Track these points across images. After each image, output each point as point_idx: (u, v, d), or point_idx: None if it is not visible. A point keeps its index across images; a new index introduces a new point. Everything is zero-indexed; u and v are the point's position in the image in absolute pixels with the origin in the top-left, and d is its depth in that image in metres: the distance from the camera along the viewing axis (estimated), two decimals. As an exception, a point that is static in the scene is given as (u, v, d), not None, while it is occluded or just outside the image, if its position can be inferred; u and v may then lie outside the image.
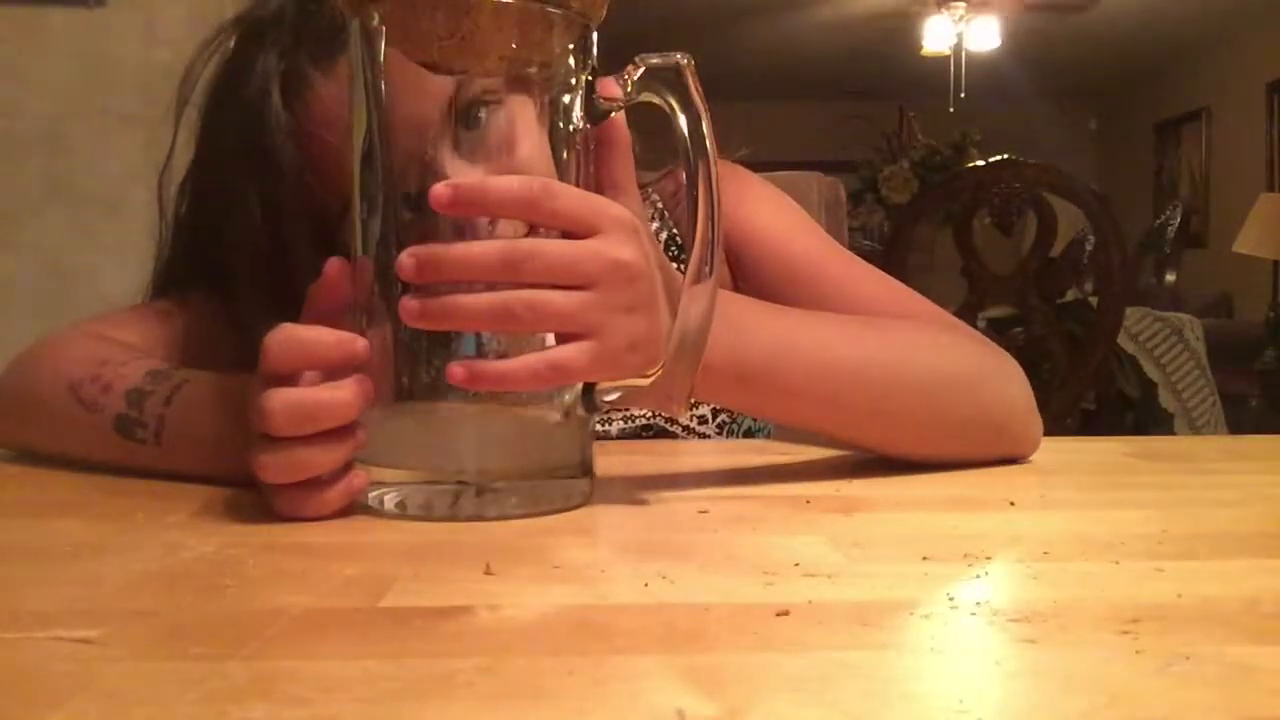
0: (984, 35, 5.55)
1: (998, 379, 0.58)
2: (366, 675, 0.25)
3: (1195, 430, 2.29)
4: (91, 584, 0.34)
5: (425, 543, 0.39)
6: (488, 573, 0.34)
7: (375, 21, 0.43)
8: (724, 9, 5.45)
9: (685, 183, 0.44)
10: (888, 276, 0.67)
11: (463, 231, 0.43)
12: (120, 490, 0.50)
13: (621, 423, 0.74)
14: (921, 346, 0.57)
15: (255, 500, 0.46)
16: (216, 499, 0.47)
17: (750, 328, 0.51)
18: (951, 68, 5.74)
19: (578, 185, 0.45)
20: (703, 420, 0.76)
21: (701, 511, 0.44)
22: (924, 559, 0.36)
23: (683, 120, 0.44)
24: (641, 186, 0.89)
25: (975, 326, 2.09)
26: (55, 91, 2.04)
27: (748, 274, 0.69)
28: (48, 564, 0.37)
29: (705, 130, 0.43)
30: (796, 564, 0.35)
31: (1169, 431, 2.27)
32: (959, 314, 2.05)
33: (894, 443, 0.55)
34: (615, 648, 0.27)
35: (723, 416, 0.77)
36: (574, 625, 0.29)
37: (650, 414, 0.75)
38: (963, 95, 5.72)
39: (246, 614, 0.30)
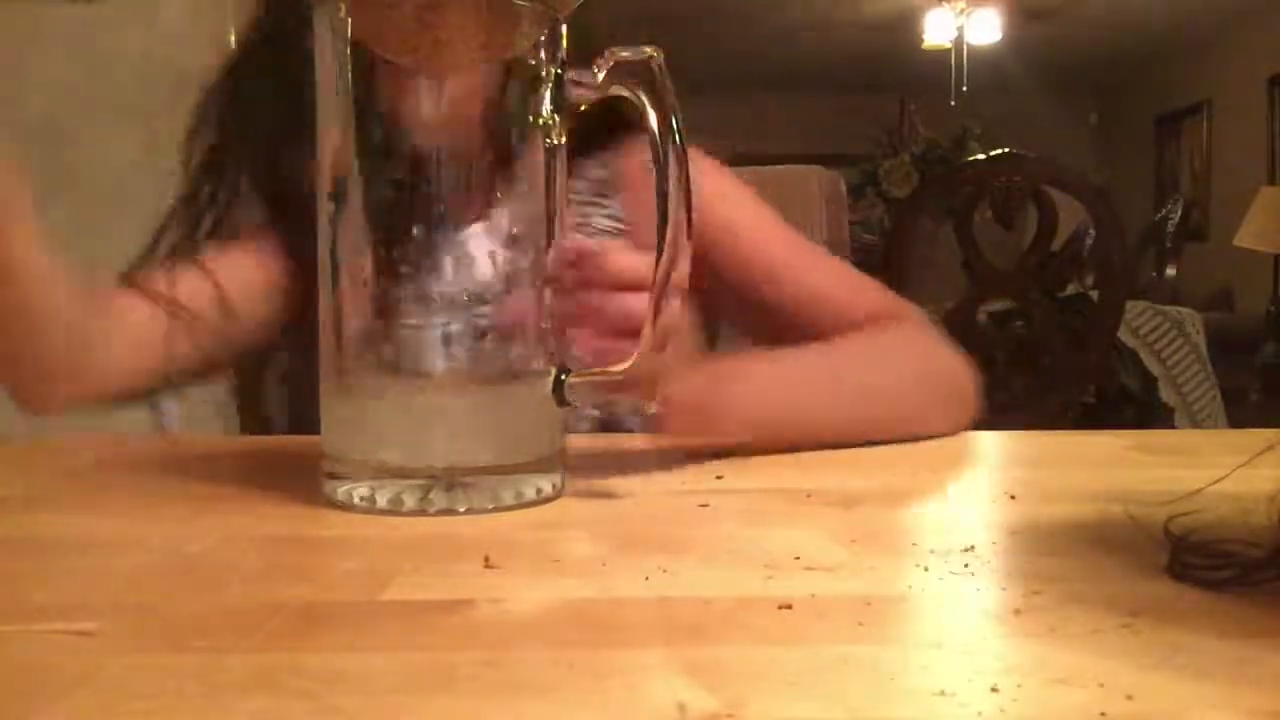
0: (985, 28, 5.55)
1: (954, 367, 0.69)
2: (369, 668, 0.25)
3: (1196, 424, 2.29)
4: (92, 577, 0.34)
5: (424, 536, 0.39)
6: (488, 566, 0.34)
7: (342, 14, 0.43)
8: (725, 1, 5.44)
9: (655, 178, 0.44)
10: (849, 269, 0.78)
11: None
12: (120, 485, 0.50)
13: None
14: (892, 353, 0.68)
15: (255, 495, 0.46)
16: (217, 494, 0.47)
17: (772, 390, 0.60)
18: (953, 61, 5.74)
19: (546, 179, 0.45)
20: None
21: (702, 505, 0.44)
22: (925, 552, 0.36)
23: (652, 116, 0.43)
24: (573, 175, 0.90)
25: (976, 320, 2.11)
26: (55, 85, 2.04)
27: (721, 268, 0.73)
28: (47, 557, 0.37)
29: (675, 126, 0.43)
30: (797, 557, 0.35)
31: (1170, 425, 2.28)
32: (959, 308, 2.06)
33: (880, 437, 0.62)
34: (616, 641, 0.27)
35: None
36: (575, 619, 0.29)
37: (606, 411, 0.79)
38: (964, 89, 5.71)
39: (248, 607, 0.30)
